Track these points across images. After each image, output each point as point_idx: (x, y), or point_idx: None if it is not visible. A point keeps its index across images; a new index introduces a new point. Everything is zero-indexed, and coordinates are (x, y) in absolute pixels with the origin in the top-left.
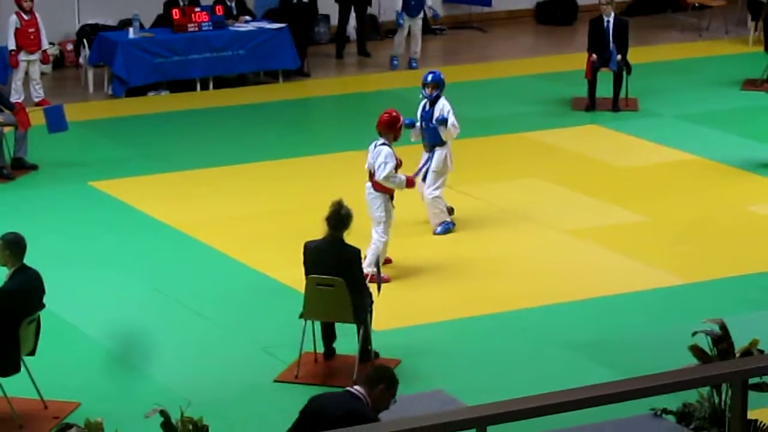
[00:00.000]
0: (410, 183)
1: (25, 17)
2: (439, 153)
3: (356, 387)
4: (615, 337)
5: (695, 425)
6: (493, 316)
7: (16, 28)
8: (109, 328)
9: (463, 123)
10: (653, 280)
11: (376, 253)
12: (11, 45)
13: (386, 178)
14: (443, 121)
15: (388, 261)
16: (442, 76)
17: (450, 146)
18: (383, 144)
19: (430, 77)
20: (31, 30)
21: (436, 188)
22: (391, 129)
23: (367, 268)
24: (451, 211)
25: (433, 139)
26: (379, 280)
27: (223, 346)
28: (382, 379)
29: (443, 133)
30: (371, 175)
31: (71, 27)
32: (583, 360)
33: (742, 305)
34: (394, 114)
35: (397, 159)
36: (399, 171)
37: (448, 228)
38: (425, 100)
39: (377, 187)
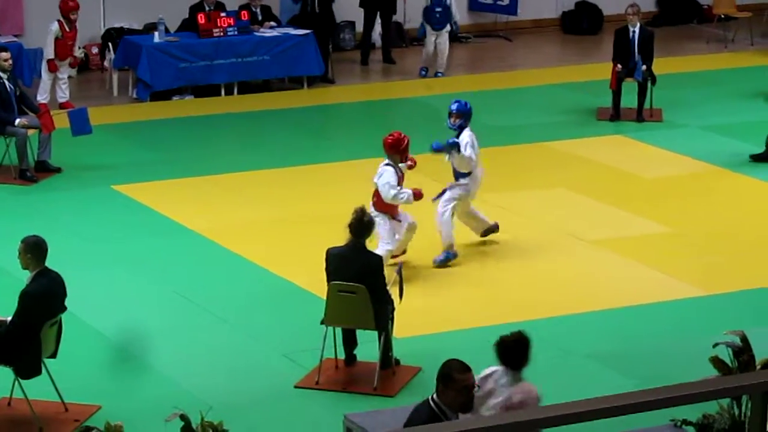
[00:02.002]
0: (417, 195)
1: (68, 29)
2: (463, 181)
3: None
4: (636, 347)
5: None
6: (515, 324)
7: (57, 38)
8: (130, 332)
9: (487, 132)
10: (675, 291)
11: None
12: (50, 54)
13: (393, 198)
14: (453, 145)
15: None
16: (468, 107)
17: (478, 177)
18: (387, 164)
19: (454, 106)
20: (70, 42)
21: (447, 209)
22: (395, 150)
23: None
24: (494, 228)
25: (457, 170)
26: (401, 287)
27: (244, 351)
28: (438, 380)
29: (455, 159)
30: (375, 193)
31: (97, 30)
32: (604, 370)
33: (764, 317)
34: (398, 136)
35: (398, 173)
36: (403, 184)
37: (447, 258)
38: (453, 129)
39: (378, 206)
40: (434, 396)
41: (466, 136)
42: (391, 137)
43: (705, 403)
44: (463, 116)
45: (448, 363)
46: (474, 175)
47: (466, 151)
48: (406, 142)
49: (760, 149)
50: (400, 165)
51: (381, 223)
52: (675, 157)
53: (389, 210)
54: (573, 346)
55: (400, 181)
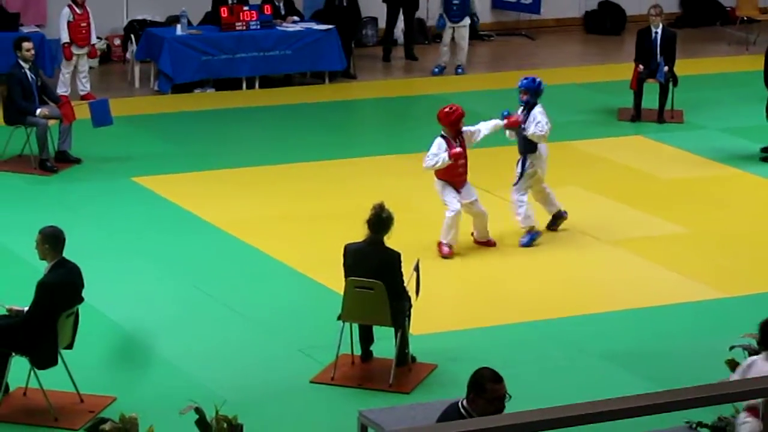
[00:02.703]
0: (452, 155)
1: (78, 11)
2: (528, 158)
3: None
4: (652, 348)
5: None
6: (531, 324)
7: (69, 22)
8: (147, 324)
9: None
10: (692, 293)
11: (446, 226)
12: (64, 38)
13: (427, 165)
14: (507, 117)
15: (491, 243)
16: (535, 83)
17: (543, 153)
18: (440, 135)
19: (522, 83)
20: (83, 24)
21: (520, 192)
22: (444, 122)
23: (442, 237)
24: (560, 216)
25: (523, 145)
26: (418, 284)
27: (260, 346)
28: (468, 387)
29: (530, 134)
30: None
31: (119, 22)
32: (619, 370)
33: None
34: (449, 109)
35: (451, 146)
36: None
37: (532, 239)
38: (521, 106)
39: (436, 174)
40: (464, 402)
41: (539, 113)
42: (442, 110)
43: (720, 406)
44: (529, 92)
45: (481, 372)
46: (539, 152)
47: (529, 129)
48: (455, 116)
49: None
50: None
51: (438, 189)
52: (695, 158)
53: (447, 178)
54: (588, 346)
55: (453, 154)
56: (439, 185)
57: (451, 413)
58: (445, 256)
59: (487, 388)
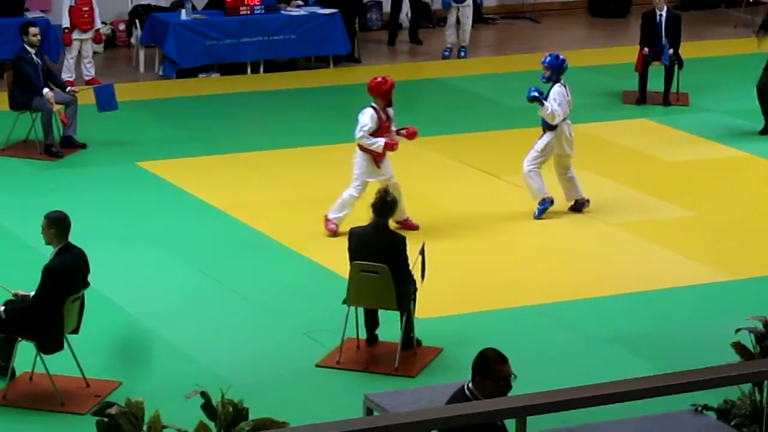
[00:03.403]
0: (389, 146)
1: None
2: (547, 136)
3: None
4: (658, 331)
5: (736, 422)
6: (537, 307)
7: (71, 6)
8: (152, 308)
9: (512, 113)
10: (698, 276)
11: (340, 203)
12: (65, 23)
13: (360, 139)
14: (533, 98)
15: (411, 225)
16: (558, 60)
17: (565, 132)
18: (370, 106)
19: (546, 60)
20: (85, 9)
21: (531, 164)
22: (375, 93)
23: (330, 214)
24: (585, 203)
25: (543, 121)
26: (423, 267)
27: (266, 330)
28: (473, 369)
29: (539, 111)
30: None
31: (124, 7)
32: (624, 353)
33: None
34: (381, 79)
35: (381, 121)
36: (391, 130)
37: (545, 208)
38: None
39: (361, 146)
40: (469, 385)
41: (553, 91)
42: (374, 80)
43: (726, 389)
44: (551, 69)
45: (485, 353)
46: (560, 130)
47: (546, 105)
48: (387, 86)
49: None
50: (402, 131)
51: (357, 161)
52: (700, 141)
53: (372, 152)
54: (594, 330)
55: (382, 126)
56: (361, 158)
57: (457, 398)
58: (331, 234)
59: (493, 368)
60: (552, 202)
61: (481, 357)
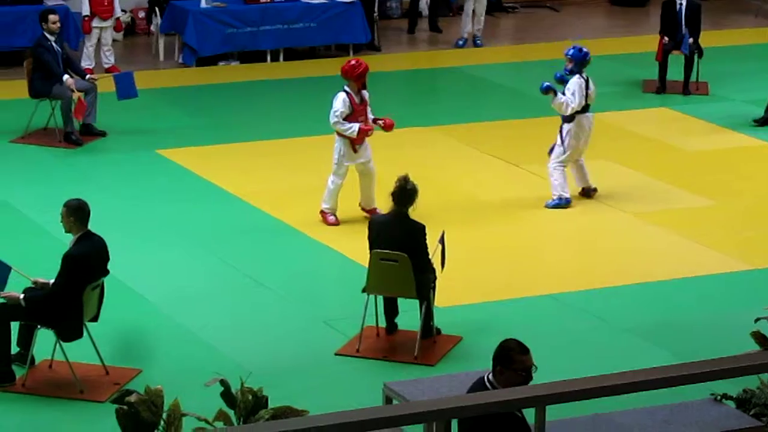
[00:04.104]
0: (363, 132)
1: None
2: (565, 127)
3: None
4: (677, 320)
5: (755, 411)
6: (556, 296)
7: None
8: (172, 296)
9: (531, 102)
10: (718, 265)
11: (327, 193)
12: (85, 11)
13: (334, 125)
14: (546, 89)
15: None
16: (581, 53)
17: (584, 125)
18: (343, 90)
19: (569, 52)
20: None
21: (555, 160)
22: (349, 76)
23: (323, 205)
24: (592, 192)
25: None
26: (443, 256)
27: (285, 318)
28: (494, 360)
29: (552, 103)
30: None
31: None
32: (643, 343)
33: None
34: (355, 62)
35: (354, 105)
36: (365, 114)
37: (558, 204)
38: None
39: (337, 132)
40: (489, 376)
41: (572, 82)
42: (347, 63)
43: (745, 378)
44: (574, 61)
45: (507, 344)
46: (578, 123)
47: (558, 96)
48: (361, 69)
49: None
50: (379, 121)
51: (335, 146)
52: (720, 130)
53: (349, 137)
54: (612, 319)
55: (356, 110)
56: (339, 143)
57: (477, 389)
58: (331, 224)
59: (514, 359)
60: (569, 202)
61: (502, 348)
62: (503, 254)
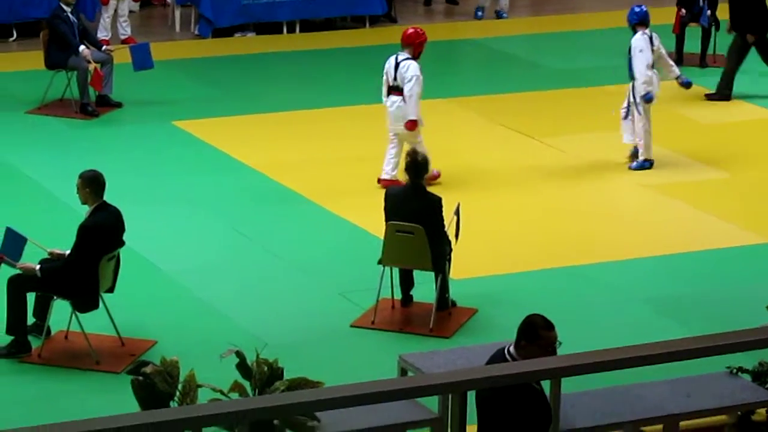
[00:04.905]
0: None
1: None
2: (637, 86)
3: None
4: (693, 293)
5: None
6: (572, 268)
7: None
8: (187, 268)
9: (548, 74)
10: (734, 238)
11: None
12: None
13: (417, 94)
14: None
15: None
16: (633, 12)
17: (655, 81)
18: (408, 58)
19: (629, 17)
20: None
21: (642, 120)
22: (410, 41)
23: (391, 173)
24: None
25: (630, 71)
26: (458, 228)
27: (301, 290)
28: (519, 334)
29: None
30: (395, 89)
31: None
32: (659, 316)
33: None
34: (419, 30)
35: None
36: None
37: (643, 166)
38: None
39: (403, 96)
40: (510, 348)
41: (634, 39)
42: (410, 30)
43: (761, 351)
44: (630, 21)
45: (532, 319)
46: (650, 80)
47: (633, 54)
48: (423, 38)
49: None
50: None
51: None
52: (737, 102)
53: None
54: (629, 291)
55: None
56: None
57: (496, 361)
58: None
59: (540, 335)
60: (652, 164)
61: (527, 322)
62: (519, 226)
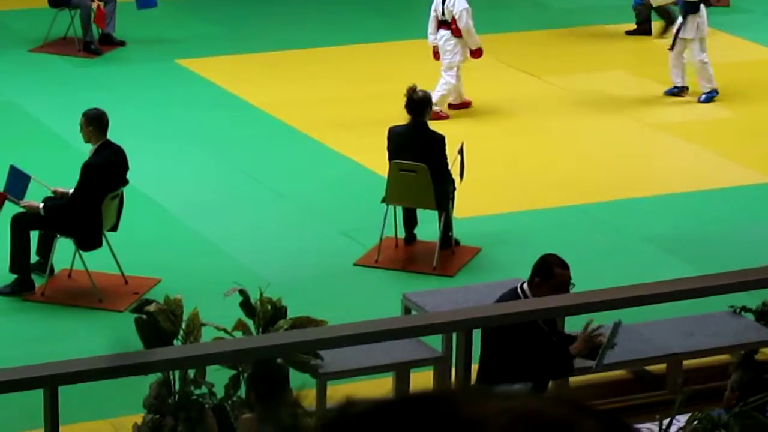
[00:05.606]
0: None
1: None
2: (691, 20)
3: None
4: (696, 232)
5: None
6: (575, 207)
7: None
8: (191, 206)
9: (553, 13)
10: (737, 177)
11: (443, 92)
12: None
13: (472, 27)
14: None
15: (466, 104)
16: None
17: (703, 15)
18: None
19: None
20: None
21: (700, 54)
22: None
23: (436, 107)
24: (684, 90)
25: (684, 6)
26: (462, 167)
27: (304, 229)
28: (534, 271)
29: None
30: (444, 23)
31: None
32: (663, 255)
33: None
34: None
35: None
36: None
37: (711, 97)
38: None
39: (458, 33)
40: (524, 285)
41: None
42: None
43: (764, 291)
44: None
45: (548, 257)
46: (701, 13)
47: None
48: None
49: None
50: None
51: (457, 50)
52: (740, 42)
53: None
54: (633, 230)
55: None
56: (454, 44)
57: (508, 298)
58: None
59: (555, 273)
60: (717, 92)
61: (543, 260)
62: (522, 165)
